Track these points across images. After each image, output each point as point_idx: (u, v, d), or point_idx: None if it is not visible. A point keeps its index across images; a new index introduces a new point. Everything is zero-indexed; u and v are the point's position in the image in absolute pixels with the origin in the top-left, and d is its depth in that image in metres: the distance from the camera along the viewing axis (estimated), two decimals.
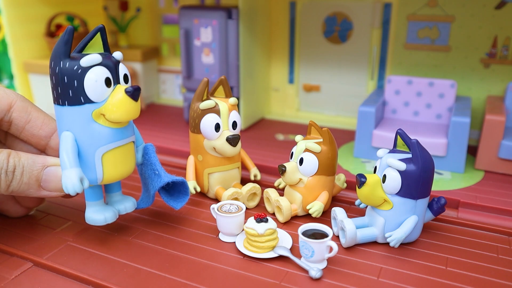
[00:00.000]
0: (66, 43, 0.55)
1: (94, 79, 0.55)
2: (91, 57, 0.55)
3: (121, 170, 0.61)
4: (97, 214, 0.62)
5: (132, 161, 0.62)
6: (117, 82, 0.58)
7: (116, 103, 0.56)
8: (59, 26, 1.20)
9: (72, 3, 1.25)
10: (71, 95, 0.55)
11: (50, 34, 1.18)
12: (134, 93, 0.56)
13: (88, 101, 0.55)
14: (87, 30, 1.20)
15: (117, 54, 0.59)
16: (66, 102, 0.56)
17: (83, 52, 0.57)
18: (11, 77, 1.26)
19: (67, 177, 0.55)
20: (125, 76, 0.59)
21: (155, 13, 1.31)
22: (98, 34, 0.58)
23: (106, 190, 0.66)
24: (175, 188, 0.69)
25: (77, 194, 0.56)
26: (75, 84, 0.55)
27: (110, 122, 0.57)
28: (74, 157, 0.56)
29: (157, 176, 0.65)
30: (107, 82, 0.56)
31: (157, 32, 1.32)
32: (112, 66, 0.57)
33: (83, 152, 0.57)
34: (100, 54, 0.57)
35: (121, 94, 0.56)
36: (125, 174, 0.62)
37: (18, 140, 0.67)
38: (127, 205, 0.66)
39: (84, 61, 0.55)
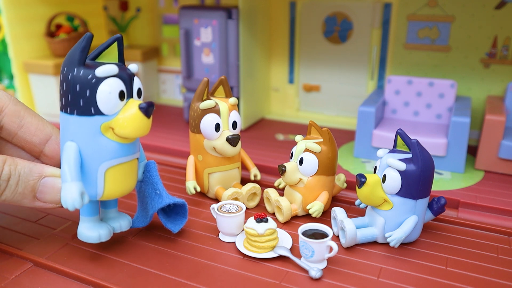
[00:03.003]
0: (83, 50, 0.52)
1: (108, 91, 0.52)
2: (107, 68, 0.52)
3: (123, 187, 0.58)
4: (91, 231, 0.58)
5: (134, 179, 0.60)
6: (130, 95, 0.55)
7: (128, 118, 0.53)
8: (59, 26, 1.20)
9: (72, 3, 1.25)
10: (81, 104, 0.52)
11: (50, 34, 1.18)
12: (148, 110, 0.53)
13: (99, 112, 0.53)
14: (87, 30, 1.20)
15: (132, 67, 0.56)
16: (74, 111, 0.53)
17: (97, 60, 0.55)
18: (11, 77, 1.26)
19: (68, 190, 0.52)
20: (139, 91, 0.57)
21: (155, 13, 1.31)
22: (115, 44, 0.55)
23: (101, 206, 0.63)
24: (173, 210, 0.67)
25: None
26: (87, 94, 0.52)
27: (118, 137, 0.54)
28: (76, 170, 0.53)
29: (158, 196, 0.62)
30: (121, 95, 0.53)
31: (157, 32, 1.32)
32: (127, 79, 0.54)
33: (86, 165, 0.54)
34: (117, 65, 0.54)
35: (134, 110, 0.53)
36: (126, 192, 0.59)
37: (10, 145, 0.63)
38: (122, 223, 0.63)
39: (100, 71, 0.52)
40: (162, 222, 0.66)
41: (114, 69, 0.53)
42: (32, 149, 0.62)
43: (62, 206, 0.58)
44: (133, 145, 0.57)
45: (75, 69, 0.52)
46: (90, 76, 0.52)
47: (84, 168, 0.55)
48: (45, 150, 0.62)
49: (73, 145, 0.54)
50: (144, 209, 0.65)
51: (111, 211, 0.63)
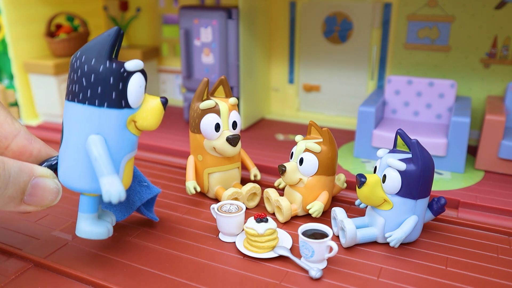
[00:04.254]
0: (113, 44, 0.53)
1: (139, 85, 0.54)
2: (136, 62, 0.53)
3: (130, 178, 0.59)
4: (99, 227, 0.57)
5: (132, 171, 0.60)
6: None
7: (152, 111, 0.55)
8: (59, 26, 1.20)
9: (72, 3, 1.25)
10: (113, 97, 0.53)
11: (50, 34, 1.18)
12: (166, 103, 0.57)
13: (128, 105, 0.54)
14: (87, 30, 1.20)
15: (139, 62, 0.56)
16: (105, 104, 0.53)
17: None
18: (11, 77, 1.26)
19: (113, 184, 0.51)
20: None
21: (155, 13, 1.31)
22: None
23: None
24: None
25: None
26: (120, 87, 0.53)
27: (138, 129, 0.56)
28: (110, 162, 0.53)
29: (145, 187, 0.64)
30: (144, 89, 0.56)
31: (157, 32, 1.32)
32: (144, 74, 0.56)
33: (111, 156, 0.54)
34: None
35: (156, 102, 0.56)
36: (130, 183, 0.60)
37: None
38: (112, 218, 0.62)
39: (130, 65, 0.53)
40: (144, 214, 0.68)
41: (141, 64, 0.54)
42: None
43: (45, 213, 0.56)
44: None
45: (107, 62, 0.52)
46: (122, 70, 0.53)
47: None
48: (12, 145, 0.56)
49: (101, 138, 0.53)
50: (124, 202, 0.66)
51: (99, 208, 0.61)
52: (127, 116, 0.54)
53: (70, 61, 0.55)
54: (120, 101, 0.53)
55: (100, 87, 0.52)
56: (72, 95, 0.54)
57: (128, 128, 0.55)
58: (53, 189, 0.54)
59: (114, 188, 0.51)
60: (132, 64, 0.53)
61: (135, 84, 0.53)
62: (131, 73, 0.53)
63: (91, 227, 0.57)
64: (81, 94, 0.53)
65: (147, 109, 0.55)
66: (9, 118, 0.57)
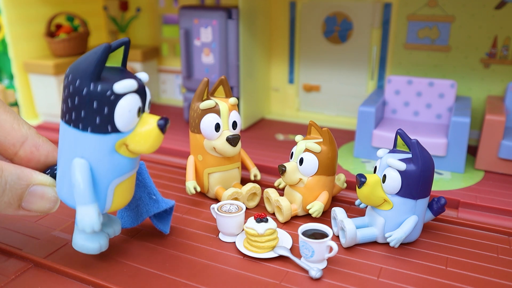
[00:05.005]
0: (100, 63, 0.48)
1: (128, 109, 0.48)
2: (127, 83, 0.48)
3: (127, 198, 0.56)
4: (91, 242, 0.55)
5: (134, 187, 0.58)
6: (143, 109, 0.52)
7: (146, 135, 0.50)
8: (59, 26, 1.20)
9: (72, 3, 1.25)
10: (97, 122, 0.48)
11: (50, 34, 1.18)
12: (165, 127, 0.50)
13: (115, 130, 0.49)
14: (87, 30, 1.20)
15: (143, 76, 0.52)
16: (88, 128, 0.49)
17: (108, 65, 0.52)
18: (11, 77, 1.26)
19: (86, 214, 0.49)
20: (149, 102, 0.53)
21: (155, 13, 1.31)
22: (122, 47, 0.52)
23: None
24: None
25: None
26: (105, 111, 0.48)
27: (131, 152, 0.52)
28: (91, 190, 0.50)
29: (153, 201, 0.61)
30: (138, 111, 0.50)
31: (157, 32, 1.32)
32: (143, 92, 0.51)
33: (97, 182, 0.51)
34: (134, 79, 0.50)
35: (151, 126, 0.50)
36: (128, 202, 0.57)
37: None
38: (116, 228, 0.60)
39: (119, 88, 0.48)
40: (154, 225, 0.66)
41: (133, 84, 0.49)
42: (6, 151, 0.56)
43: (46, 214, 0.56)
44: (138, 158, 0.55)
45: (92, 84, 0.48)
46: (108, 93, 0.48)
47: (95, 185, 0.51)
48: (20, 152, 0.55)
49: (85, 163, 0.50)
50: (134, 210, 0.65)
51: (104, 216, 0.60)
52: (115, 141, 0.50)
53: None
54: (105, 126, 0.49)
55: (83, 111, 0.48)
56: (61, 114, 0.51)
57: (118, 151, 0.51)
58: (50, 197, 0.54)
59: (86, 219, 0.50)
60: (121, 86, 0.48)
61: (123, 108, 0.48)
62: (120, 96, 0.48)
63: (83, 242, 0.55)
64: (67, 115, 0.50)
65: (140, 132, 0.50)
66: (16, 123, 0.56)
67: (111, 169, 0.51)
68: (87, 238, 0.55)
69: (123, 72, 0.51)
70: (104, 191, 0.52)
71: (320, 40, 1.13)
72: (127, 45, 0.52)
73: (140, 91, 0.50)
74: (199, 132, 0.74)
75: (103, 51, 0.48)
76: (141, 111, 0.51)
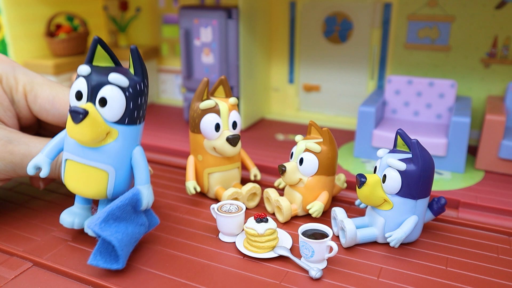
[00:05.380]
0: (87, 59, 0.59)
1: (72, 92, 0.58)
2: (81, 68, 0.56)
3: (78, 184, 0.59)
4: (68, 216, 0.63)
5: (91, 187, 0.59)
6: (88, 97, 0.57)
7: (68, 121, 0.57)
8: (59, 26, 1.20)
9: (72, 3, 1.25)
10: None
11: (50, 34, 1.18)
12: (72, 114, 0.54)
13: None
14: (87, 30, 1.20)
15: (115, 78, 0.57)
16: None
17: (93, 64, 0.58)
18: None
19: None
20: (101, 98, 0.57)
21: (155, 13, 1.31)
22: (99, 46, 0.57)
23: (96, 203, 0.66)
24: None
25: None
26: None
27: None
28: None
29: (144, 226, 0.62)
30: (78, 96, 0.58)
31: (157, 32, 1.32)
32: (89, 79, 0.57)
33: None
34: (93, 68, 0.57)
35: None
36: (82, 193, 0.60)
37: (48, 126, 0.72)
38: (76, 221, 0.63)
39: (78, 71, 0.57)
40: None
41: (84, 69, 0.56)
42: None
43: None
44: (90, 151, 0.57)
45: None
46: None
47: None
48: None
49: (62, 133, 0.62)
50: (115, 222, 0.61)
51: (85, 208, 0.65)
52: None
53: None
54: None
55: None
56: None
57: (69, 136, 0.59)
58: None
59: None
60: (79, 69, 0.57)
61: (71, 90, 0.58)
62: (77, 78, 0.58)
63: (63, 212, 0.64)
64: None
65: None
66: (55, 92, 0.70)
67: (65, 142, 0.60)
68: (68, 211, 0.63)
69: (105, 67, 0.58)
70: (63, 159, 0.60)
71: (320, 40, 1.13)
72: (100, 42, 0.57)
73: (87, 77, 0.56)
74: (199, 132, 0.74)
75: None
76: (82, 96, 0.56)
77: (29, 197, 0.78)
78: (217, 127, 0.73)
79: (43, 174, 0.60)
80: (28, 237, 0.66)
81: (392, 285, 0.57)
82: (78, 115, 0.53)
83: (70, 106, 0.56)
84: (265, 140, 1.04)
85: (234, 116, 0.75)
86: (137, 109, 0.58)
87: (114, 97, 0.56)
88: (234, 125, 0.75)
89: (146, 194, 0.60)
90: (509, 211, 0.72)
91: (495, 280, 0.58)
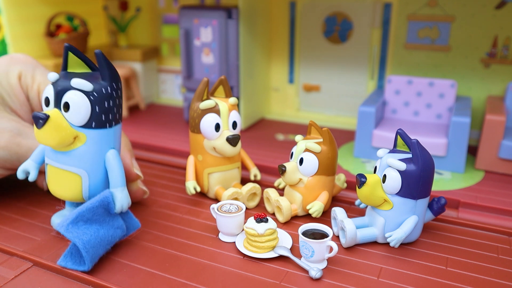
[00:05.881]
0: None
1: (43, 96, 0.60)
2: (50, 75, 0.58)
3: (56, 187, 0.61)
4: (58, 218, 0.66)
5: (69, 191, 0.60)
6: (54, 103, 0.58)
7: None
8: (59, 26, 1.20)
9: (72, 3, 1.25)
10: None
11: (50, 34, 1.18)
12: (35, 120, 0.55)
13: None
14: (87, 30, 1.20)
15: (52, 76, 0.58)
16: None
17: (68, 71, 0.60)
18: None
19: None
20: (66, 104, 0.58)
21: (155, 13, 1.31)
22: (70, 53, 0.59)
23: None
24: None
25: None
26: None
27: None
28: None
29: (120, 229, 0.62)
30: (46, 102, 0.59)
31: (157, 32, 1.32)
32: (55, 86, 0.58)
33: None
34: (60, 76, 0.58)
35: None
36: (60, 196, 0.61)
37: None
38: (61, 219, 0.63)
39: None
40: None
41: (51, 76, 0.58)
42: None
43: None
44: (62, 156, 0.59)
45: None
46: None
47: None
48: None
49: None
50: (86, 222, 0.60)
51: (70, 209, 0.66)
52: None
53: None
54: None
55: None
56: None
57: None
58: None
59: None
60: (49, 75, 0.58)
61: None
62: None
63: (54, 216, 0.67)
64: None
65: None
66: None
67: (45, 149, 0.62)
68: (58, 215, 0.67)
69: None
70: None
71: (320, 40, 1.13)
72: (71, 49, 0.58)
73: (54, 83, 0.57)
74: (199, 132, 0.74)
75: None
76: (49, 102, 0.58)
77: (29, 197, 0.78)
78: (217, 127, 0.73)
79: (31, 178, 0.62)
80: (28, 237, 0.66)
81: (392, 285, 0.57)
82: (39, 120, 0.54)
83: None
84: (265, 140, 1.04)
85: (234, 116, 0.75)
86: (105, 113, 0.58)
87: (77, 101, 0.56)
88: (234, 125, 0.75)
89: (119, 197, 0.60)
90: (509, 211, 0.72)
91: (495, 280, 0.58)
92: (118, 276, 0.57)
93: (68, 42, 1.15)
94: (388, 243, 0.65)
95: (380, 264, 0.61)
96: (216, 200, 0.79)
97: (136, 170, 0.72)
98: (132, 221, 0.64)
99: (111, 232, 0.60)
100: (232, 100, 0.75)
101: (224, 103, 0.74)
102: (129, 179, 0.71)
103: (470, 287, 0.56)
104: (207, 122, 0.73)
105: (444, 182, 0.82)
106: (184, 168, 0.89)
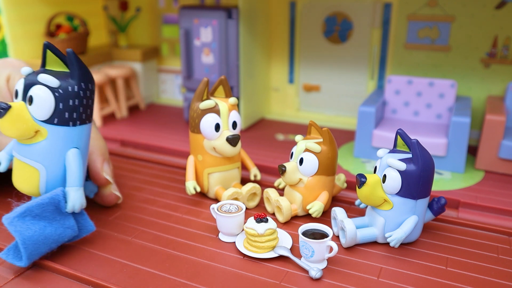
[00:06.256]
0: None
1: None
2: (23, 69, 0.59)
3: (17, 181, 0.61)
4: None
5: (27, 184, 0.60)
6: (21, 96, 0.59)
7: None
8: (59, 26, 1.20)
9: (72, 3, 1.25)
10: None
11: (50, 34, 1.18)
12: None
13: None
14: (87, 30, 1.20)
15: (25, 70, 0.59)
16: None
17: (46, 68, 0.60)
18: None
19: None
20: (30, 96, 0.58)
21: (155, 13, 1.31)
22: (50, 52, 0.59)
23: None
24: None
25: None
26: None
27: None
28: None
29: (71, 229, 0.61)
30: (15, 95, 0.60)
31: (157, 32, 1.32)
32: (25, 80, 0.59)
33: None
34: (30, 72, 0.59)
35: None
36: (20, 189, 0.61)
37: None
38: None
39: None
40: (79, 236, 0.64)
41: (25, 70, 0.59)
42: None
43: None
44: (23, 148, 0.59)
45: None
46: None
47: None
48: None
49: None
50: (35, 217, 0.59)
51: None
52: None
53: None
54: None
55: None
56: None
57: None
58: None
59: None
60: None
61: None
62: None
63: None
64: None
65: None
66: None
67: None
68: None
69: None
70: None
71: (320, 40, 1.13)
72: (49, 47, 0.59)
73: (25, 78, 0.58)
74: (199, 132, 0.74)
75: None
76: (18, 94, 0.58)
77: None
78: (217, 127, 0.73)
79: (1, 168, 0.62)
80: None
81: (392, 285, 0.57)
82: (0, 110, 0.55)
83: None
84: (265, 140, 1.04)
85: (234, 116, 0.75)
86: (69, 111, 0.58)
87: (41, 95, 0.57)
88: (234, 125, 0.75)
89: (72, 197, 0.60)
90: (509, 211, 0.72)
91: (495, 280, 0.58)
92: (118, 276, 0.58)
93: (68, 42, 1.15)
94: (388, 243, 0.65)
95: (380, 264, 0.61)
96: (216, 200, 0.79)
97: (106, 175, 0.70)
98: (86, 223, 0.63)
99: (59, 231, 0.59)
100: (232, 100, 0.75)
101: (224, 103, 0.74)
102: (99, 184, 0.71)
103: (470, 287, 0.56)
104: (207, 122, 0.73)
105: (444, 182, 0.82)
106: (184, 168, 0.89)
